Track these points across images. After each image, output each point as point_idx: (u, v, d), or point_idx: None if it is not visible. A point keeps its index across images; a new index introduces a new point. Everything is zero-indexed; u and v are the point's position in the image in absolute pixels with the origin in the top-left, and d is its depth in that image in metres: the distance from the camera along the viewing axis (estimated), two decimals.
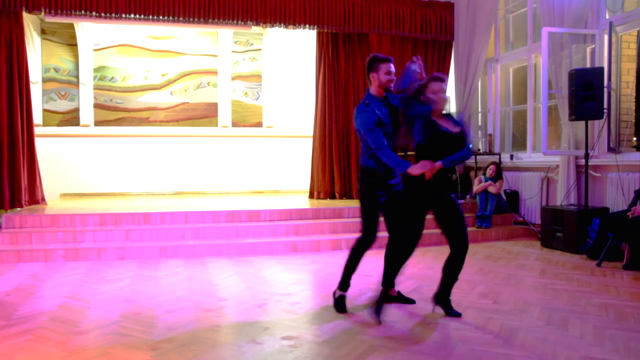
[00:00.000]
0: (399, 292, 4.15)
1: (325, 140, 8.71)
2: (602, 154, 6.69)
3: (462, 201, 7.84)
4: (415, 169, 3.59)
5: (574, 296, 4.30)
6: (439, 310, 3.83)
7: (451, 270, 3.76)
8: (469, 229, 6.77)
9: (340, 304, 3.94)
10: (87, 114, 9.61)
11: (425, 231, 3.81)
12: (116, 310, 3.88)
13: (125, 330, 3.44)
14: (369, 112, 3.82)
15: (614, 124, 6.68)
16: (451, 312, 3.78)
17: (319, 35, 8.72)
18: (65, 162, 9.42)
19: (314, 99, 8.95)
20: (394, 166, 3.78)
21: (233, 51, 10.31)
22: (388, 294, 3.87)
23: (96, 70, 9.69)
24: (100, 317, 3.74)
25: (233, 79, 10.35)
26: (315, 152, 8.81)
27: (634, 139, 6.70)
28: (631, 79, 6.83)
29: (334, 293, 4.02)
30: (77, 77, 9.60)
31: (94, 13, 7.33)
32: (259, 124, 10.48)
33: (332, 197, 8.69)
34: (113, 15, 7.38)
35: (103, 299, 4.22)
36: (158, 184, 9.85)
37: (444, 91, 3.76)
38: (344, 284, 3.99)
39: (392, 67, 3.93)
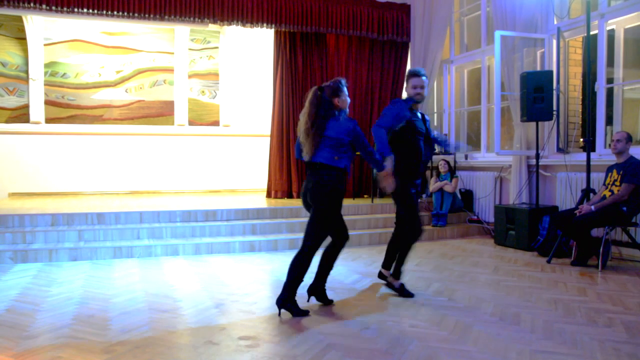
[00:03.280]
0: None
1: (283, 140, 8.71)
2: (551, 154, 6.92)
3: (419, 200, 7.97)
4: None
5: (526, 292, 4.43)
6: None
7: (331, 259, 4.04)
8: (425, 227, 6.93)
9: (403, 291, 4.34)
10: (37, 111, 9.30)
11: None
12: (68, 313, 3.78)
13: (77, 334, 3.35)
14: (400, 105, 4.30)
15: (563, 125, 6.93)
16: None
17: (277, 34, 8.69)
18: (14, 161, 9.10)
19: (271, 97, 8.91)
20: (378, 148, 4.11)
21: (190, 49, 10.17)
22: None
23: (47, 65, 9.39)
24: (51, 320, 3.63)
25: (190, 77, 10.21)
26: (273, 151, 8.79)
27: (581, 140, 6.98)
28: (578, 82, 7.10)
29: (394, 284, 4.40)
30: (27, 72, 9.28)
31: (44, 6, 7.08)
32: (215, 123, 10.37)
33: (290, 196, 8.68)
34: (65, 9, 7.15)
35: (54, 301, 4.10)
36: (112, 183, 9.63)
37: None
38: (398, 273, 4.44)
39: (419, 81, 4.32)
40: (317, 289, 4.03)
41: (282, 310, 3.76)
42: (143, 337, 3.30)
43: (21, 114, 9.29)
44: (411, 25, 8.91)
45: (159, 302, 4.10)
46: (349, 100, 3.92)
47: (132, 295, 4.30)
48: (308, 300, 4.02)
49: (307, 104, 3.81)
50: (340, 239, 3.99)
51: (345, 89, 3.87)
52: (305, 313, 3.77)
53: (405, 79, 4.38)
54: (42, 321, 3.61)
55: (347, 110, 3.93)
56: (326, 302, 4.04)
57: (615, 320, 3.64)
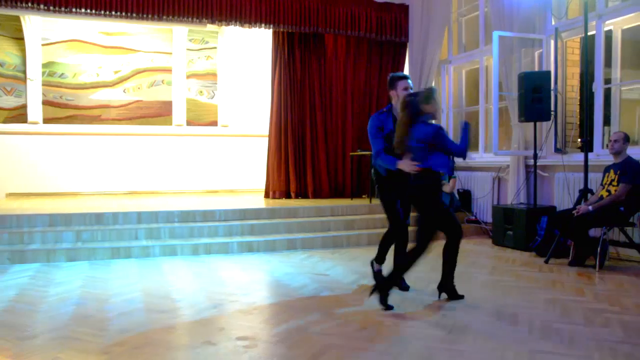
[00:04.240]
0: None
1: (281, 140, 8.71)
2: (549, 155, 6.93)
3: None
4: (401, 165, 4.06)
5: (523, 292, 4.44)
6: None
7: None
8: None
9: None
10: (35, 111, 9.29)
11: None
12: (66, 314, 3.77)
13: (75, 334, 3.35)
14: (375, 119, 4.28)
15: (560, 125, 6.93)
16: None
17: (275, 34, 8.69)
18: (11, 161, 9.09)
19: (269, 98, 8.92)
20: (389, 167, 4.20)
21: (188, 49, 10.17)
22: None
23: (45, 65, 9.38)
24: (49, 321, 3.62)
25: (188, 77, 10.21)
26: (271, 151, 8.79)
27: (579, 140, 6.99)
28: (575, 82, 7.11)
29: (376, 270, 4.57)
30: (24, 72, 9.26)
31: (42, 6, 7.07)
32: (214, 123, 10.37)
33: (288, 196, 8.69)
34: (63, 9, 7.14)
35: (52, 302, 4.09)
36: (110, 183, 9.62)
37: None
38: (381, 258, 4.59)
39: (410, 83, 4.34)
40: (447, 286, 4.19)
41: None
42: (141, 337, 3.30)
43: (19, 114, 9.28)
44: (409, 25, 8.91)
45: (157, 302, 4.10)
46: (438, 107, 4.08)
47: (130, 295, 4.29)
48: (439, 297, 4.18)
49: (400, 112, 4.04)
50: (452, 235, 4.20)
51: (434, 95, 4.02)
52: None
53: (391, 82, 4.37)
54: (40, 322, 3.61)
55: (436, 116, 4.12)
56: (456, 297, 4.16)
57: (613, 320, 3.64)
